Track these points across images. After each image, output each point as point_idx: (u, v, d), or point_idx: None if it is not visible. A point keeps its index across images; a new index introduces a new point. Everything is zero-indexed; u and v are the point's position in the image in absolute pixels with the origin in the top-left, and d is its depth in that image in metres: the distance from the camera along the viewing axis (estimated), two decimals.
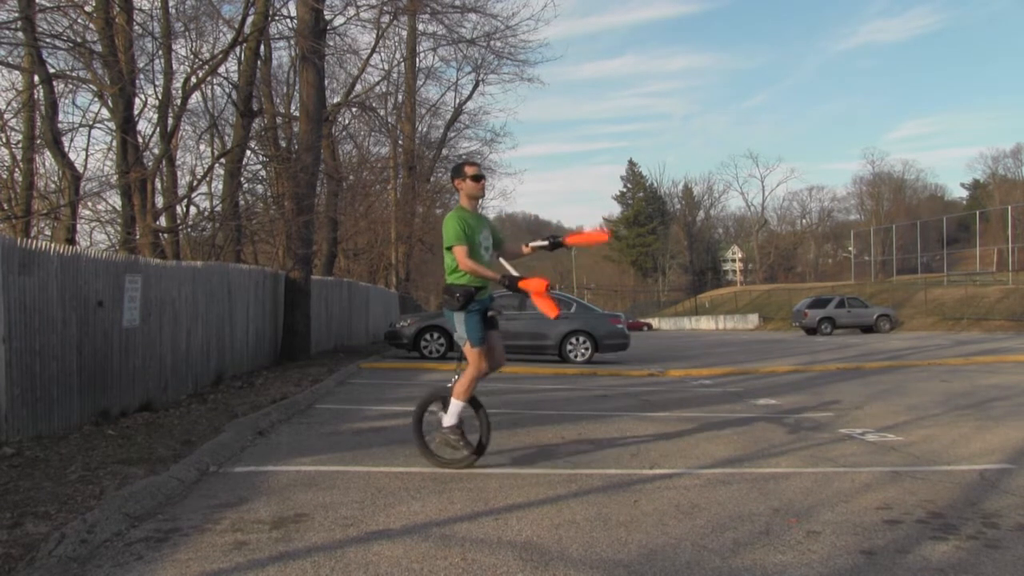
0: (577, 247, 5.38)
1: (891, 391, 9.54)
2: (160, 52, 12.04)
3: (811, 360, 15.33)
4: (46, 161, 11.59)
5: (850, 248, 72.05)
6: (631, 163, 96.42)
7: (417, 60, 26.13)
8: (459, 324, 4.75)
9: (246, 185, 16.24)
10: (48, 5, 9.85)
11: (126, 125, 10.46)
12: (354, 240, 25.74)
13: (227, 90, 15.18)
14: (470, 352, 4.74)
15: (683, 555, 3.20)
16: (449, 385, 4.86)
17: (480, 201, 5.05)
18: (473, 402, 4.86)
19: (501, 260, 5.00)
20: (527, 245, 5.12)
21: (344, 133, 23.40)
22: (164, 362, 7.63)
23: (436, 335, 14.82)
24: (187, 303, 8.28)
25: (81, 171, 10.64)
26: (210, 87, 15.32)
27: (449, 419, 4.76)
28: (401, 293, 28.57)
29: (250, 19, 12.36)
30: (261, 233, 16.76)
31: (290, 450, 5.41)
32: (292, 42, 15.82)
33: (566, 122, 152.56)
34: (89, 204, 12.38)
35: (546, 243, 5.01)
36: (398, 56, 25.87)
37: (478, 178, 4.89)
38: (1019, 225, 49.21)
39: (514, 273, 4.75)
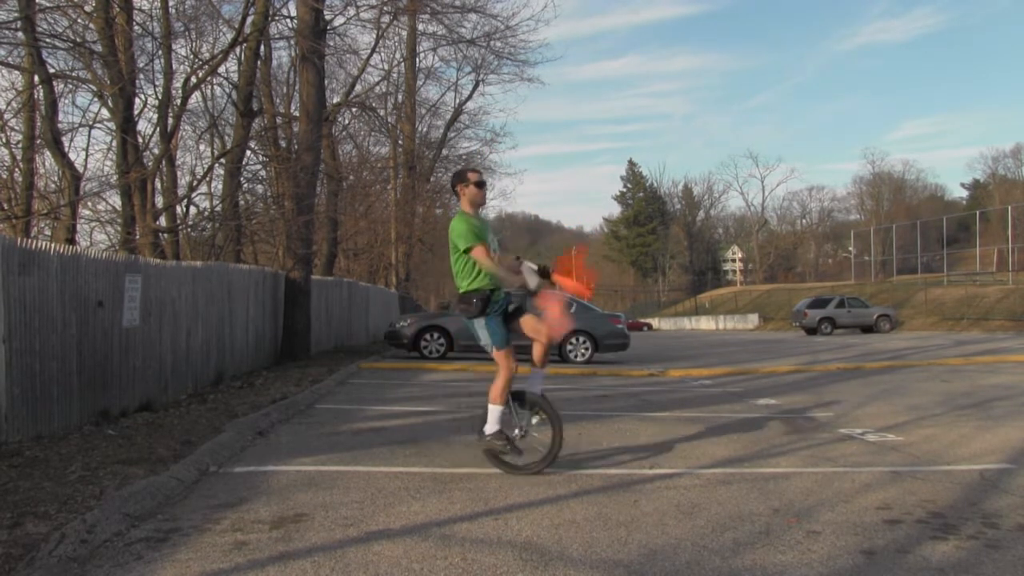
0: (561, 285, 5.13)
1: (891, 391, 9.53)
2: (160, 52, 12.04)
3: (811, 360, 15.32)
4: (46, 161, 11.58)
5: (850, 248, 72.05)
6: (631, 163, 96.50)
7: (417, 60, 26.16)
8: (480, 330, 4.70)
9: (246, 185, 16.23)
10: (48, 5, 9.83)
11: (126, 125, 10.45)
12: (354, 240, 25.74)
13: (227, 90, 15.19)
14: (497, 355, 4.67)
15: (683, 555, 3.19)
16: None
17: (481, 208, 5.04)
18: (542, 401, 4.76)
19: (527, 263, 4.87)
20: (519, 264, 4.90)
21: (344, 133, 23.39)
22: (164, 362, 7.63)
23: (436, 335, 14.82)
24: (187, 303, 8.27)
25: (81, 171, 10.62)
26: (210, 87, 15.33)
27: (490, 425, 4.68)
28: (401, 293, 28.58)
29: (250, 19, 12.35)
30: (261, 233, 16.76)
31: (290, 450, 5.41)
32: (292, 42, 15.82)
33: (566, 122, 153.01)
34: (89, 204, 12.40)
35: (537, 268, 4.81)
36: (398, 56, 25.91)
37: (481, 184, 4.87)
38: (1019, 225, 49.21)
39: (533, 285, 4.64)
